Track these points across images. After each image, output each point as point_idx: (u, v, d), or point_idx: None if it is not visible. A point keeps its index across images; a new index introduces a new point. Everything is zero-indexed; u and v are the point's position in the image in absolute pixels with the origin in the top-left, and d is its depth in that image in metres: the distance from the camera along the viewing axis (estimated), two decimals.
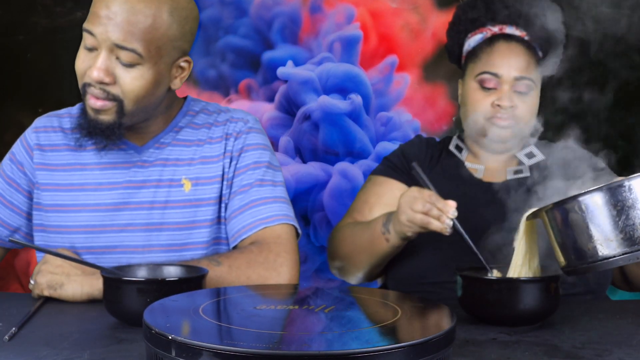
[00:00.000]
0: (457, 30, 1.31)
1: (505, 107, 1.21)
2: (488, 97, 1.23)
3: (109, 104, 1.06)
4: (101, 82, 1.05)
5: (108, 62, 1.04)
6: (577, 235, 0.83)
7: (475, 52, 1.27)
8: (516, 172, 1.27)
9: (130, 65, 1.05)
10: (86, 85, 1.06)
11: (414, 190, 1.09)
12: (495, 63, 1.23)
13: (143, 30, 1.03)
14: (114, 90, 1.06)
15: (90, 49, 1.06)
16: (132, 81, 1.05)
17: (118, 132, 1.09)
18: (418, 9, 2.09)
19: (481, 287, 0.92)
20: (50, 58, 2.13)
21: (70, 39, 2.09)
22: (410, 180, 1.29)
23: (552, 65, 1.30)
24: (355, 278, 1.25)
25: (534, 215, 0.92)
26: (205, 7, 2.12)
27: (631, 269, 1.20)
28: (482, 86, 1.24)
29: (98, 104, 1.06)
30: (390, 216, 1.14)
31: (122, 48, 1.03)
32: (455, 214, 1.04)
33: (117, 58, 1.04)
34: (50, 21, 2.12)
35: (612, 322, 0.94)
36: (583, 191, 0.83)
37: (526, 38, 1.25)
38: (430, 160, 1.31)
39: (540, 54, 1.27)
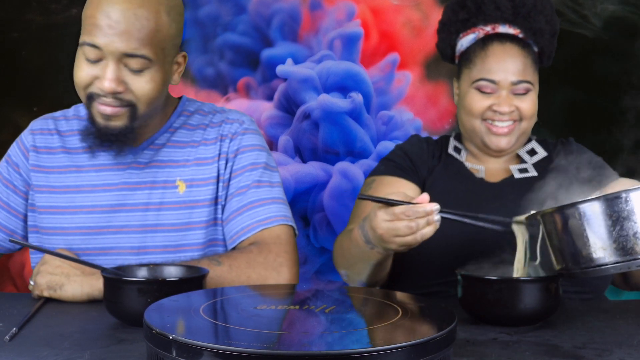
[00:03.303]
0: (449, 32, 1.30)
1: (505, 113, 1.21)
2: (486, 99, 1.22)
3: (122, 110, 1.07)
4: (113, 92, 1.05)
5: (117, 71, 1.04)
6: (574, 241, 0.86)
7: (469, 55, 1.25)
8: (521, 170, 1.26)
9: (139, 71, 1.05)
10: (93, 95, 1.07)
11: (382, 216, 0.95)
12: (492, 69, 1.22)
13: (148, 35, 1.04)
14: (127, 97, 1.06)
15: (94, 61, 1.05)
16: (145, 85, 1.06)
17: (131, 136, 1.10)
18: (420, 5, 2.08)
19: (481, 287, 0.92)
20: (45, 56, 2.12)
21: (65, 36, 2.07)
22: (418, 179, 1.28)
23: (548, 57, 1.29)
24: (361, 284, 1.24)
25: (531, 217, 0.94)
26: (203, 4, 2.11)
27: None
28: (480, 91, 1.23)
29: (108, 110, 1.07)
30: (366, 232, 1.01)
31: (131, 56, 1.04)
32: (438, 207, 0.94)
33: (125, 66, 1.05)
34: (46, 18, 2.10)
35: (612, 322, 0.94)
36: (582, 199, 0.85)
37: (520, 36, 1.24)
38: (432, 158, 1.30)
39: (535, 48, 1.26)
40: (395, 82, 2.09)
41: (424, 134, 2.08)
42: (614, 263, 0.83)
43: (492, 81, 1.21)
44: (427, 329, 0.65)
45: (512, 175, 1.26)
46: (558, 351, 0.80)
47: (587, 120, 2.04)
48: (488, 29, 1.25)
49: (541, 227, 0.93)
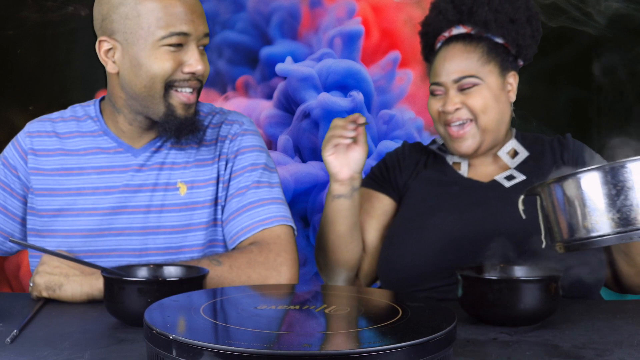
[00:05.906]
0: (426, 45, 1.31)
1: (450, 112, 1.21)
2: (437, 102, 1.24)
3: (196, 92, 1.12)
4: (200, 73, 1.10)
5: (198, 53, 1.10)
6: (574, 211, 0.83)
7: (430, 62, 1.28)
8: (508, 178, 1.23)
9: (204, 48, 1.12)
10: (174, 83, 1.09)
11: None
12: (437, 72, 1.23)
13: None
14: (200, 76, 1.12)
15: (177, 46, 1.08)
16: (207, 62, 1.12)
17: (197, 121, 1.14)
18: (421, 3, 2.08)
19: (481, 287, 0.92)
20: (41, 54, 2.11)
21: (61, 34, 2.07)
22: (393, 190, 1.30)
23: (518, 45, 1.24)
24: (333, 272, 1.26)
25: (530, 191, 0.92)
26: (202, 2, 2.11)
27: (623, 268, 1.19)
28: (433, 95, 1.25)
29: (193, 98, 1.11)
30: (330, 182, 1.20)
31: (206, 35, 1.11)
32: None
33: (198, 46, 1.10)
34: (41, 16, 2.09)
35: (612, 322, 0.94)
36: (583, 169, 0.83)
37: (473, 32, 1.22)
38: (417, 165, 1.30)
39: (500, 40, 1.23)
40: (397, 80, 2.09)
41: (425, 133, 2.08)
42: (616, 233, 0.81)
43: (438, 84, 1.23)
44: (427, 329, 0.65)
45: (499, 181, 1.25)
46: (558, 351, 0.80)
47: (591, 118, 2.04)
48: (446, 34, 1.26)
49: (539, 205, 0.90)
